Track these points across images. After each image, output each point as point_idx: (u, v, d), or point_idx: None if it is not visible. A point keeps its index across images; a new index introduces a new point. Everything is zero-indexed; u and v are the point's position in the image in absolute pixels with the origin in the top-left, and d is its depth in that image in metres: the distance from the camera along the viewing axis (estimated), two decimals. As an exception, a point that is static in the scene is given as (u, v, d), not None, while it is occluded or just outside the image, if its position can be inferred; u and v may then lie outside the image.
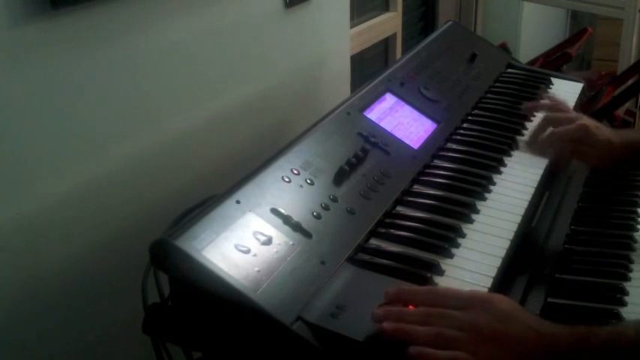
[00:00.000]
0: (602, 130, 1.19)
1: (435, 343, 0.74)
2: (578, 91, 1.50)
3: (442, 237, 0.95)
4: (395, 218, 0.99)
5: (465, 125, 1.28)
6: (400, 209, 1.02)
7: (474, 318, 0.75)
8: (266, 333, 0.76)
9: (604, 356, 0.71)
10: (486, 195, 1.07)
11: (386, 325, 0.75)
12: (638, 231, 1.12)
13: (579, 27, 3.54)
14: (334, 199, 0.94)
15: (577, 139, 1.18)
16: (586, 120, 1.21)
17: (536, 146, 1.22)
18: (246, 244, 0.80)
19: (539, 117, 1.32)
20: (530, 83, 1.48)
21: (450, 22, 1.59)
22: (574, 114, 1.26)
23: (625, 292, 0.96)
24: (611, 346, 0.71)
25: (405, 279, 0.86)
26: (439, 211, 1.01)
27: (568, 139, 1.19)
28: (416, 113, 1.22)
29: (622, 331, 0.72)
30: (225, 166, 1.27)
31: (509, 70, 1.54)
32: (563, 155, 1.21)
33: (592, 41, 3.76)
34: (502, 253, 0.94)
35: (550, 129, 1.22)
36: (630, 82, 2.47)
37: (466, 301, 0.78)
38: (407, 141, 1.14)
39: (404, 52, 2.11)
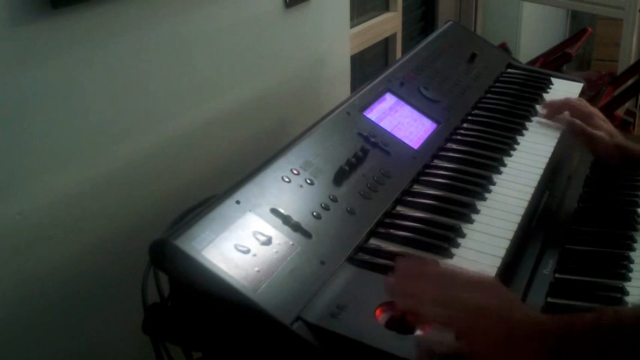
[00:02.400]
0: (608, 124, 1.26)
1: (444, 325, 0.76)
2: (578, 91, 1.50)
3: (442, 237, 0.95)
4: (395, 218, 0.99)
5: (465, 125, 1.28)
6: (400, 209, 1.02)
7: (484, 302, 0.77)
8: (266, 333, 0.76)
9: (588, 338, 0.74)
10: (486, 195, 1.07)
11: (399, 302, 0.77)
12: (638, 231, 1.12)
13: (579, 27, 3.54)
14: (334, 199, 0.94)
15: (585, 117, 1.27)
16: (593, 110, 1.29)
17: (548, 109, 1.34)
18: (246, 244, 0.80)
19: (539, 117, 1.35)
20: (530, 83, 1.48)
21: (450, 22, 1.59)
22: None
23: (625, 292, 0.96)
24: (592, 329, 0.74)
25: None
26: (439, 211, 1.01)
27: (576, 113, 1.29)
28: (416, 113, 1.22)
29: (602, 315, 0.75)
30: (225, 166, 1.27)
31: (509, 70, 1.54)
32: (574, 127, 1.28)
33: (592, 41, 3.77)
34: (502, 253, 0.94)
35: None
36: (630, 82, 2.47)
37: (475, 285, 0.80)
38: (407, 141, 1.14)
39: (404, 52, 2.11)
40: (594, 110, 1.29)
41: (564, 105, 1.32)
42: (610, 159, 1.22)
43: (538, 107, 1.38)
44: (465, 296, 0.78)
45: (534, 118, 1.34)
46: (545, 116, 1.33)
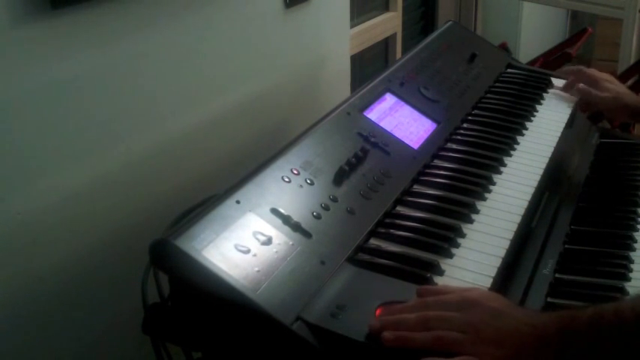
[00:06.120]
0: (618, 86, 1.41)
1: (436, 346, 0.75)
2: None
3: (442, 237, 0.95)
4: (395, 218, 0.99)
5: (465, 125, 1.28)
6: (400, 209, 1.02)
7: (470, 318, 0.76)
8: (266, 333, 0.76)
9: (588, 336, 0.74)
10: (486, 195, 1.07)
11: (386, 334, 0.75)
12: (638, 231, 1.12)
13: (579, 27, 3.53)
14: (334, 199, 0.94)
15: (592, 83, 1.41)
16: (602, 75, 1.43)
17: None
18: (246, 244, 0.80)
19: (539, 117, 1.35)
20: (530, 83, 1.48)
21: (450, 22, 1.59)
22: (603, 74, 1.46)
23: (625, 292, 0.96)
24: (593, 326, 0.74)
25: (405, 279, 0.86)
26: (439, 211, 1.01)
27: (585, 79, 1.43)
28: (416, 113, 1.22)
29: (602, 312, 0.75)
30: (225, 166, 1.27)
31: (509, 70, 1.54)
32: (579, 92, 1.43)
33: (592, 41, 3.76)
34: (502, 253, 0.94)
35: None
36: (630, 82, 2.47)
37: (457, 305, 0.78)
38: (407, 141, 1.14)
39: (404, 52, 2.10)
40: (604, 75, 1.42)
41: (575, 74, 1.46)
42: (615, 117, 1.41)
43: (538, 107, 1.38)
44: (449, 314, 0.77)
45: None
46: (562, 89, 1.46)
